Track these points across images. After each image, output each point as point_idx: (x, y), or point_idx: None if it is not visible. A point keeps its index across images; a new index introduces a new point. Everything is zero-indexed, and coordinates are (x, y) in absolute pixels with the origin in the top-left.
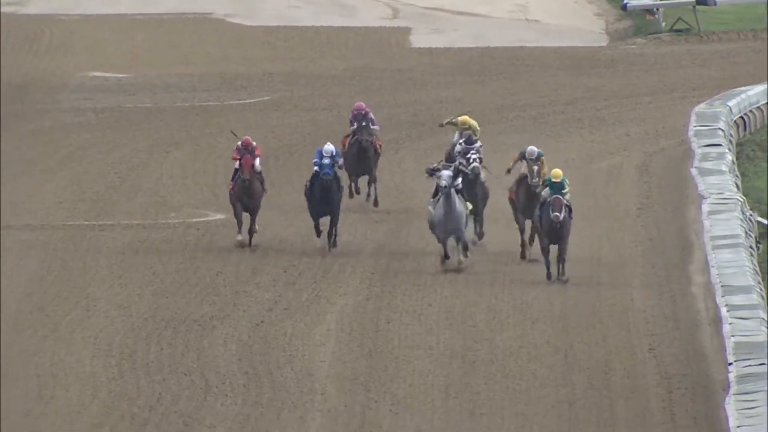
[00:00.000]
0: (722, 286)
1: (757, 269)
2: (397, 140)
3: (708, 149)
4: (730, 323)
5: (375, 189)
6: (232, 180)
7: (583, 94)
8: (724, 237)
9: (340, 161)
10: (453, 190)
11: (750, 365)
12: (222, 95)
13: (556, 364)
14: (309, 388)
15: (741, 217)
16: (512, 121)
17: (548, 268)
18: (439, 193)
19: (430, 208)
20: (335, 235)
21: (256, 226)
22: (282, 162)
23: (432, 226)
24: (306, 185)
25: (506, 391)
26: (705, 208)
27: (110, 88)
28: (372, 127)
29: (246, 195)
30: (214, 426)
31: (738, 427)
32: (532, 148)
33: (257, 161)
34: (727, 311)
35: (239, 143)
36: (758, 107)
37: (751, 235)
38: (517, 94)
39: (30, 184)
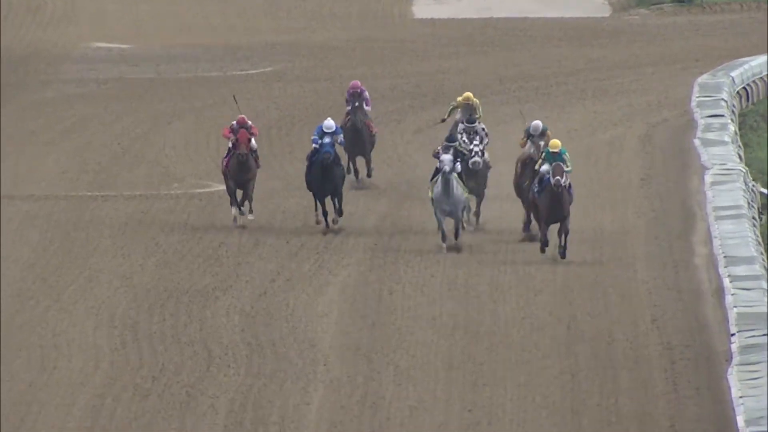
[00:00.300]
0: (725, 257)
1: (760, 240)
2: (399, 111)
3: (711, 120)
4: (732, 294)
5: (370, 166)
6: (226, 157)
7: (586, 65)
8: (727, 208)
9: (341, 137)
10: (453, 174)
11: (753, 336)
12: (225, 66)
13: (558, 335)
14: (311, 359)
15: (744, 187)
16: (515, 92)
17: (546, 241)
18: (438, 175)
19: (430, 191)
20: (340, 213)
21: (251, 207)
22: (285, 132)
23: (432, 203)
24: (306, 164)
25: (509, 362)
26: (708, 179)
27: (113, 58)
28: (365, 108)
29: (241, 171)
30: (217, 396)
31: (740, 397)
32: (537, 123)
33: (253, 139)
34: (730, 282)
35: (234, 122)
36: (761, 78)
37: (753, 206)
38: (519, 65)
39: (32, 155)
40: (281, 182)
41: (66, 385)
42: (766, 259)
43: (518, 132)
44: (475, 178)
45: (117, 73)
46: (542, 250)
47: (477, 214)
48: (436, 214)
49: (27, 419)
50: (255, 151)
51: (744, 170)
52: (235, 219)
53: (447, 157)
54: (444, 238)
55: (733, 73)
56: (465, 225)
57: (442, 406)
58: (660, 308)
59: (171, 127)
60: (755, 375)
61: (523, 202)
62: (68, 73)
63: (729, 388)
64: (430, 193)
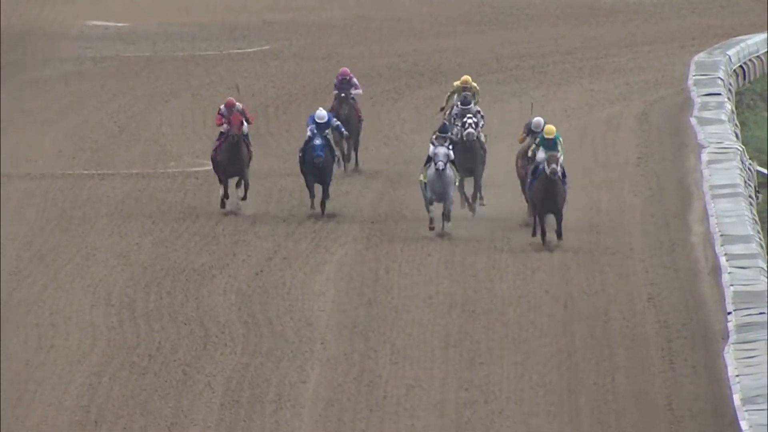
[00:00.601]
0: (721, 235)
1: (756, 218)
2: (396, 90)
3: (707, 98)
4: (729, 272)
5: (357, 155)
6: (217, 141)
7: (583, 43)
8: (724, 186)
9: (335, 122)
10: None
11: (749, 314)
12: (221, 44)
13: (555, 313)
14: (308, 338)
15: (740, 166)
16: (512, 71)
17: (543, 231)
18: (430, 163)
19: (422, 175)
20: (326, 201)
21: (241, 194)
22: (281, 111)
23: (422, 188)
24: (299, 153)
25: (506, 341)
26: (704, 157)
27: (110, 37)
28: (354, 91)
29: (232, 155)
30: (214, 375)
31: (737, 376)
32: (539, 120)
33: (245, 125)
34: (727, 260)
35: (222, 106)
36: (758, 56)
37: (750, 185)
38: (516, 43)
39: (30, 133)
40: (278, 161)
41: (63, 363)
42: (762, 238)
43: (515, 111)
44: (472, 158)
45: (113, 51)
46: (542, 240)
47: (475, 197)
48: (425, 196)
49: (24, 397)
50: (246, 136)
51: (741, 149)
52: (223, 203)
53: (441, 151)
54: (432, 223)
55: (730, 52)
56: (470, 202)
57: (438, 384)
58: (656, 287)
59: (168, 105)
60: (752, 353)
61: (524, 193)
62: (65, 52)
63: (725, 366)
64: (422, 177)
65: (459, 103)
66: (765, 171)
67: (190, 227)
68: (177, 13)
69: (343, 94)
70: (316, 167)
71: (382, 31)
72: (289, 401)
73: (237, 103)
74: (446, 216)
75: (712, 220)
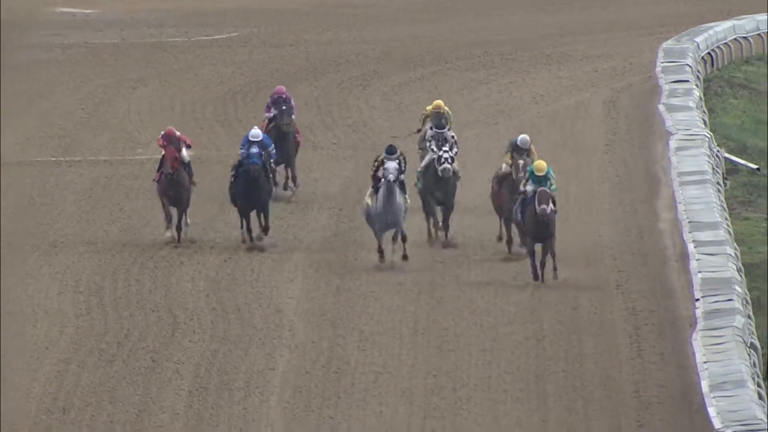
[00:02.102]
0: (689, 222)
1: (724, 205)
2: (364, 76)
3: (675, 85)
4: (697, 259)
5: (295, 179)
6: (158, 171)
7: (552, 30)
8: (692, 173)
9: (271, 148)
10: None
11: (717, 301)
12: (189, 31)
13: (523, 300)
14: (277, 324)
15: (708, 153)
16: (480, 58)
17: (535, 270)
18: (380, 185)
19: (368, 200)
20: (267, 229)
21: (188, 220)
22: (250, 98)
23: (369, 219)
24: (231, 176)
25: (474, 327)
26: (672, 144)
27: (78, 24)
28: (292, 115)
29: (172, 189)
30: (182, 362)
31: (705, 362)
32: (525, 138)
33: (184, 152)
34: (695, 247)
35: (162, 132)
36: (726, 43)
37: (718, 172)
38: (485, 30)
39: None
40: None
41: (31, 350)
42: (730, 225)
43: (483, 98)
44: (444, 188)
45: (81, 38)
46: (535, 278)
47: (446, 227)
48: (374, 228)
49: None
50: (188, 164)
51: (708, 136)
52: (167, 239)
53: (392, 165)
54: (382, 253)
55: (698, 39)
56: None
57: (406, 371)
58: (624, 274)
59: (135, 92)
60: (719, 340)
61: (503, 221)
62: (33, 39)
63: (693, 353)
64: (366, 207)
65: (433, 126)
66: (733, 158)
67: (158, 214)
68: (145, 0)
69: (284, 107)
70: (250, 183)
71: (351, 17)
72: (257, 388)
73: (176, 132)
74: (403, 237)
75: (680, 207)
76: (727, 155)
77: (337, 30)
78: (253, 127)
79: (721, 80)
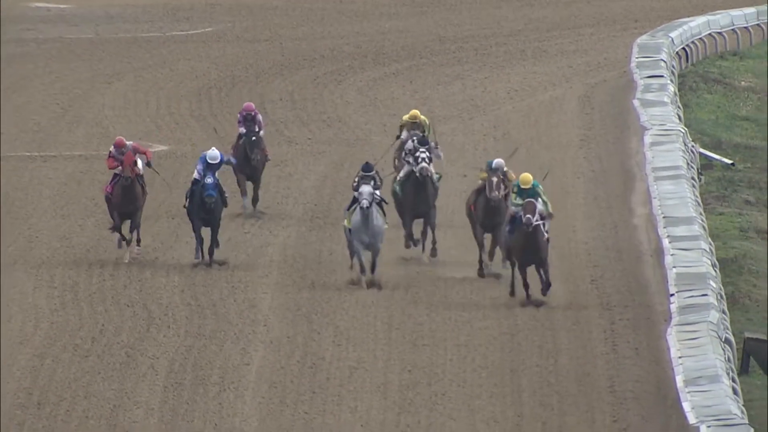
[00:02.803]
0: (664, 217)
1: (699, 200)
2: (339, 71)
3: (650, 80)
4: (671, 254)
5: (258, 193)
6: (110, 183)
7: (526, 25)
8: (666, 168)
9: (227, 159)
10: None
11: (691, 296)
12: (164, 26)
13: (498, 295)
14: (251, 320)
15: (683, 148)
16: (454, 53)
17: (527, 288)
18: (356, 205)
19: (345, 222)
20: (212, 251)
21: (137, 244)
22: (224, 93)
23: (347, 237)
24: (186, 194)
25: (448, 322)
26: (647, 139)
27: (52, 18)
28: (261, 132)
29: (126, 199)
30: (157, 357)
31: (679, 357)
32: (499, 162)
33: (139, 162)
34: (669, 242)
35: (111, 147)
36: (700, 39)
37: (692, 167)
38: (459, 25)
39: None
40: (221, 143)
41: (5, 345)
42: (705, 220)
43: (458, 93)
44: (424, 197)
45: (56, 33)
46: (526, 294)
47: (425, 239)
48: (352, 245)
49: None
50: (141, 177)
51: (683, 131)
52: (120, 244)
53: (366, 190)
54: (362, 270)
55: (673, 34)
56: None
57: (381, 366)
58: (599, 268)
59: (110, 87)
60: (694, 335)
61: (475, 235)
62: (7, 33)
63: (668, 348)
64: (345, 223)
65: (414, 139)
66: (707, 153)
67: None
68: None
69: (254, 138)
70: (205, 208)
71: (325, 12)
72: (232, 383)
73: (127, 143)
74: (373, 266)
75: (655, 202)
76: (701, 150)
77: (311, 25)
78: (211, 148)
79: (696, 75)
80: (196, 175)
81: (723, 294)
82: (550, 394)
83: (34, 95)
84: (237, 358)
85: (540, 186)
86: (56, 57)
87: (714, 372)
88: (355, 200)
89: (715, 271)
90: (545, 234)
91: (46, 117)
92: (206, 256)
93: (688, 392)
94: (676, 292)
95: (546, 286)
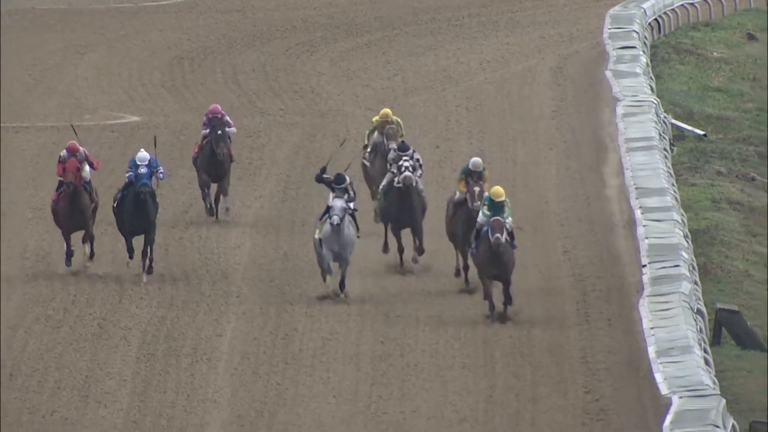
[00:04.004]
0: (636, 188)
1: (671, 171)
2: (311, 42)
3: (622, 51)
4: (644, 225)
5: (228, 201)
6: (56, 192)
7: None
8: (639, 139)
9: (160, 171)
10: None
11: (664, 267)
12: None
13: (471, 266)
14: (224, 291)
15: (655, 119)
16: (427, 24)
17: (491, 305)
18: (326, 216)
19: (316, 234)
20: (151, 260)
21: (89, 257)
22: (197, 64)
23: (316, 246)
24: (115, 198)
25: (421, 294)
26: (619, 110)
27: None
28: (230, 129)
29: (72, 206)
30: (129, 328)
31: (652, 328)
32: (477, 160)
33: (87, 169)
34: (642, 213)
35: (63, 151)
36: (673, 9)
37: (665, 137)
38: None
39: None
40: (193, 114)
41: None
42: (677, 191)
43: (431, 65)
44: (408, 206)
45: (28, 4)
46: (491, 310)
47: (420, 250)
48: (321, 255)
49: None
50: (89, 184)
51: (655, 102)
52: (68, 260)
53: (338, 205)
54: (328, 271)
55: (645, 5)
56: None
57: (354, 337)
58: (571, 239)
59: (83, 58)
60: (666, 306)
61: (456, 247)
62: None
63: (640, 319)
64: (316, 234)
65: (395, 147)
66: (680, 124)
67: (106, 180)
68: None
69: (219, 132)
70: (139, 206)
71: None
72: (204, 354)
73: (80, 148)
74: (341, 283)
75: (627, 173)
76: (674, 121)
77: None
78: (140, 150)
79: (668, 46)
80: (128, 177)
81: (695, 265)
82: (523, 365)
83: (7, 66)
84: (210, 329)
85: (508, 201)
86: (29, 28)
87: (686, 343)
88: (327, 210)
89: (687, 242)
90: (513, 247)
91: (19, 88)
92: (140, 263)
93: (660, 363)
94: (649, 263)
95: (507, 299)
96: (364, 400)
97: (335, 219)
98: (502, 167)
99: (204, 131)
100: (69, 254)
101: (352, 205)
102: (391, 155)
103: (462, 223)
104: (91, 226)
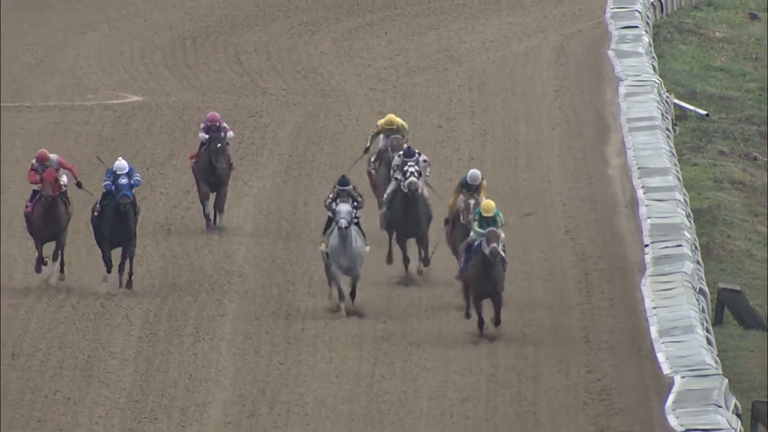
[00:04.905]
0: (639, 168)
1: (674, 151)
2: (314, 22)
3: (625, 31)
4: (646, 205)
5: (222, 209)
6: (31, 201)
7: None
8: (641, 119)
9: (136, 176)
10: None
11: (666, 247)
12: None
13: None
14: (226, 270)
15: (657, 99)
16: (429, 4)
17: (481, 321)
18: (333, 226)
19: (322, 246)
20: (131, 274)
21: (60, 270)
22: (199, 43)
23: (325, 261)
24: (94, 210)
25: (423, 275)
26: (622, 90)
27: None
28: (229, 134)
29: (48, 218)
30: (132, 308)
31: (654, 308)
32: (475, 173)
33: (63, 177)
34: (644, 193)
35: (34, 160)
36: None
37: (667, 117)
38: None
39: None
40: (195, 93)
41: None
42: (679, 170)
43: (433, 44)
44: (414, 214)
45: None
46: (480, 327)
47: (426, 260)
48: (330, 270)
49: None
50: (65, 194)
51: (658, 82)
52: (38, 267)
53: (344, 209)
54: (341, 296)
55: None
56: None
57: (356, 317)
58: (574, 219)
59: (85, 37)
60: (668, 286)
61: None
62: None
63: (642, 298)
64: (322, 246)
65: (401, 152)
66: (682, 103)
67: (107, 160)
68: None
69: (219, 145)
70: (119, 218)
71: None
72: (207, 334)
73: (51, 156)
74: (353, 293)
75: (630, 153)
76: (676, 101)
77: None
78: (118, 158)
79: (671, 26)
80: (105, 187)
81: (697, 245)
82: (525, 344)
83: (8, 46)
84: (212, 308)
85: (500, 214)
86: (30, 7)
87: (688, 322)
88: (330, 221)
89: (690, 221)
90: (504, 263)
91: (20, 67)
92: (117, 279)
93: (663, 343)
94: (651, 242)
95: (497, 319)
96: (366, 379)
97: (342, 222)
98: (504, 147)
99: (202, 136)
100: (40, 262)
101: (357, 213)
102: (396, 161)
103: (463, 237)
104: (64, 237)
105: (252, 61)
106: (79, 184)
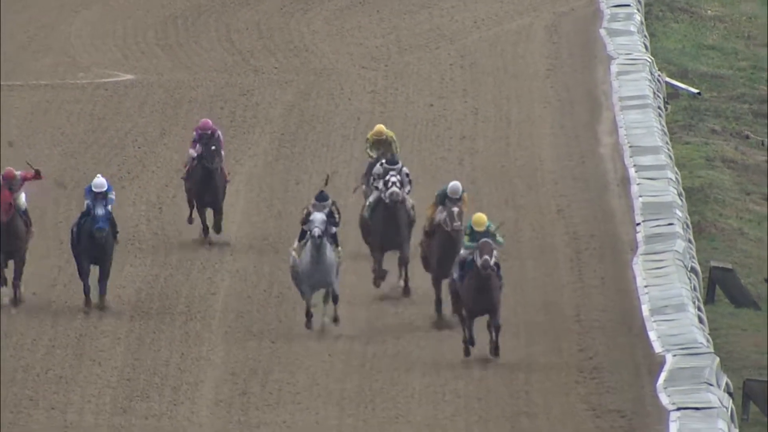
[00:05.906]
0: (630, 146)
1: (665, 129)
2: (306, 0)
3: (617, 9)
4: (638, 183)
5: (219, 227)
6: None
7: None
8: (633, 97)
9: (111, 196)
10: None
11: (658, 225)
12: None
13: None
14: (218, 249)
15: (649, 77)
16: None
17: (471, 338)
18: (306, 238)
19: (294, 254)
20: (102, 290)
21: (20, 285)
22: (190, 22)
23: (295, 277)
24: (72, 229)
25: (415, 255)
26: (614, 68)
27: None
28: (220, 140)
29: (7, 240)
30: (123, 286)
31: (645, 287)
32: (456, 185)
33: (22, 197)
34: (636, 172)
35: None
36: None
37: (659, 96)
38: None
39: None
40: (187, 72)
41: None
42: (671, 149)
43: (425, 23)
44: (396, 226)
45: None
46: (467, 352)
47: (405, 280)
48: (301, 288)
49: None
50: (26, 212)
51: (650, 60)
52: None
53: (318, 217)
54: (309, 314)
55: None
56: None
57: (348, 295)
58: (566, 198)
59: (77, 16)
60: (660, 264)
61: (432, 279)
62: None
63: (634, 277)
64: (292, 262)
65: (384, 161)
66: (674, 82)
67: (100, 138)
68: None
69: (213, 147)
70: (95, 243)
71: None
72: (198, 313)
73: (16, 174)
74: (335, 298)
75: (622, 132)
76: (668, 79)
77: None
78: (96, 176)
79: (662, 4)
80: (86, 206)
81: (689, 223)
82: (517, 323)
83: (1, 24)
84: (203, 287)
85: (492, 225)
86: None
87: (680, 301)
88: (304, 234)
89: (681, 200)
90: (499, 279)
91: (12, 46)
92: (92, 299)
93: (654, 321)
94: (643, 221)
95: (494, 347)
96: (358, 358)
97: (316, 231)
98: (496, 126)
99: (191, 151)
100: (2, 281)
101: (333, 229)
102: (377, 169)
103: (438, 250)
104: (24, 255)
105: (243, 39)
106: (38, 172)
